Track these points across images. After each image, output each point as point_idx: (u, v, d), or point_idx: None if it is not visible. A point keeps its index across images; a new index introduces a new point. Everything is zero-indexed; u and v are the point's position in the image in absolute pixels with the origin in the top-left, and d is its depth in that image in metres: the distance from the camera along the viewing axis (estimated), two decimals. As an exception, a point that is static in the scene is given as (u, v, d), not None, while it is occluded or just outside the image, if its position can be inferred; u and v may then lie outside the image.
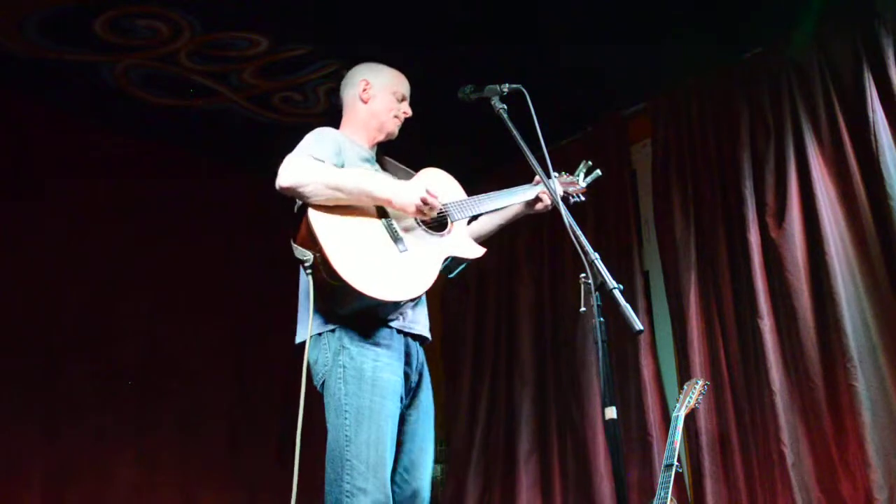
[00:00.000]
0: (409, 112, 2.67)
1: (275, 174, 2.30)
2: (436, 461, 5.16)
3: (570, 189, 2.84)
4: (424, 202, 2.31)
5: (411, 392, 2.40)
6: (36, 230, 4.26)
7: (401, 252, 2.29)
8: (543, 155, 2.22)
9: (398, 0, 3.79)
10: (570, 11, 3.85)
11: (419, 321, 2.43)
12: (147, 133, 4.74)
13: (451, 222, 2.48)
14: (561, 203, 2.14)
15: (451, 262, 2.43)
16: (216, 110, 4.59)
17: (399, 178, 2.55)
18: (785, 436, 3.52)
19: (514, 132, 2.34)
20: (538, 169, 2.26)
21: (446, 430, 5.10)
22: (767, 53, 4.08)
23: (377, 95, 2.62)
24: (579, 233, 2.04)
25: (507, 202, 2.68)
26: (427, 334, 2.46)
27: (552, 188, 2.23)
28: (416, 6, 3.80)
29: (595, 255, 1.99)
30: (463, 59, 4.08)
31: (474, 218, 2.64)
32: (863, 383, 3.35)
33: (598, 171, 2.88)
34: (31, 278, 4.20)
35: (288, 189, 2.22)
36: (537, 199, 2.73)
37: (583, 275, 2.00)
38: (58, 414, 4.15)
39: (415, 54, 4.18)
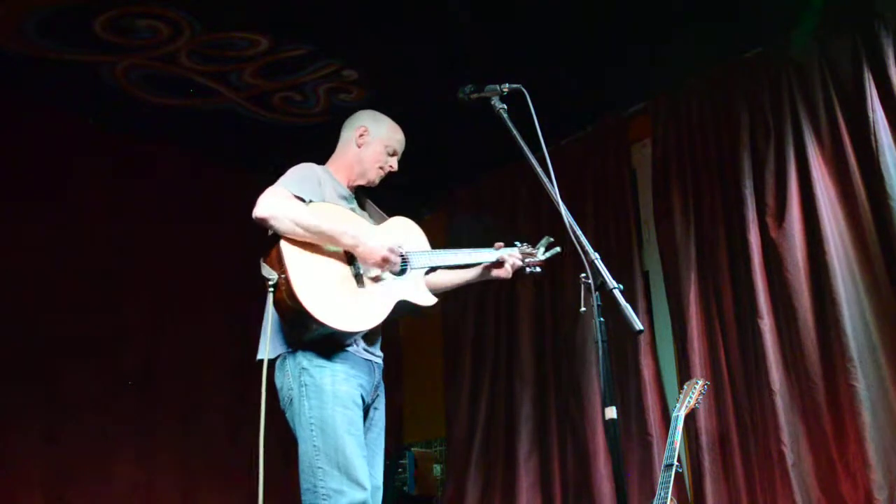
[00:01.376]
0: (395, 167, 2.81)
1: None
2: (436, 461, 5.21)
3: (528, 260, 2.96)
4: (385, 260, 2.50)
5: (367, 409, 2.57)
6: (36, 230, 4.26)
7: (358, 288, 2.48)
8: (543, 155, 2.21)
9: (398, 0, 3.79)
10: (571, 11, 3.85)
11: (371, 350, 2.58)
12: (147, 133, 4.74)
13: (410, 269, 2.64)
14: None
15: (404, 306, 2.60)
16: (216, 110, 4.59)
17: (373, 218, 2.75)
18: (785, 436, 3.52)
19: (514, 132, 2.34)
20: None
21: (446, 430, 5.11)
22: (767, 53, 4.08)
23: (371, 144, 2.76)
24: (579, 233, 2.04)
25: (467, 261, 2.84)
26: (380, 360, 2.62)
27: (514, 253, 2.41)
28: (416, 6, 3.80)
29: (595, 255, 1.99)
30: (463, 58, 4.08)
31: (434, 269, 2.80)
32: (863, 383, 3.35)
33: (558, 248, 3.00)
34: (31, 278, 4.20)
35: (261, 220, 2.41)
36: (498, 264, 2.86)
37: (583, 275, 2.00)
38: (58, 414, 4.15)
39: (415, 54, 4.20)
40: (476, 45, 4.03)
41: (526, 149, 2.29)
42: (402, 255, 2.61)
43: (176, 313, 4.71)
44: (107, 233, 4.50)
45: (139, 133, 4.73)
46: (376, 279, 2.54)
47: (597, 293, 1.95)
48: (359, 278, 2.50)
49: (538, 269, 3.01)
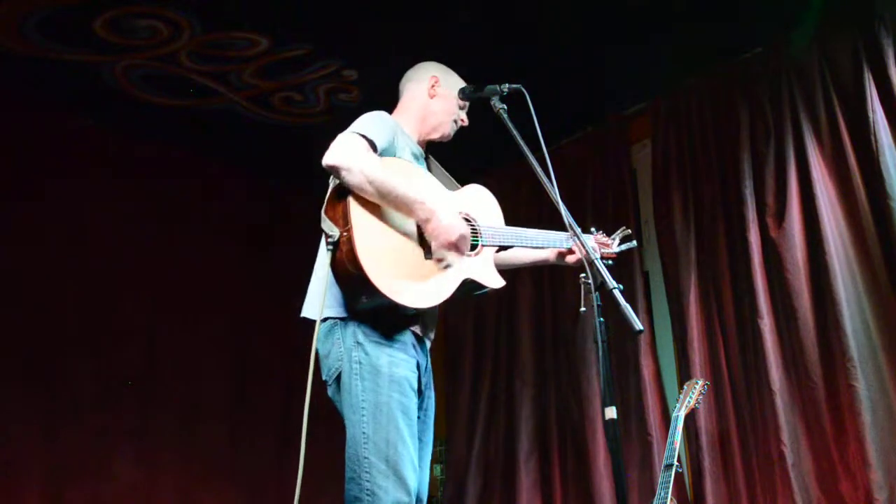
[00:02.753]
0: (466, 121, 2.64)
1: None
2: (436, 461, 5.21)
3: (603, 251, 2.79)
4: (453, 246, 2.27)
5: (421, 394, 2.38)
6: (36, 230, 4.26)
7: (426, 260, 2.26)
8: (543, 155, 2.21)
9: (398, 0, 3.79)
10: (571, 11, 3.85)
11: (430, 328, 2.41)
12: (147, 133, 4.74)
13: (481, 245, 2.43)
14: (600, 261, 2.06)
15: (471, 286, 2.40)
16: (216, 110, 4.59)
17: (443, 184, 2.53)
18: (785, 436, 3.52)
19: (514, 132, 2.34)
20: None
21: (446, 430, 5.11)
22: (767, 53, 4.08)
23: (445, 95, 2.59)
24: (580, 233, 2.04)
25: (540, 244, 2.65)
26: (430, 340, 2.45)
27: (585, 243, 2.12)
28: (415, 6, 3.80)
29: (595, 255, 1.99)
30: (463, 58, 4.08)
31: (505, 248, 2.61)
32: (863, 383, 3.35)
33: (634, 242, 2.85)
34: (32, 278, 4.20)
35: (332, 167, 2.18)
36: (570, 251, 2.68)
37: (583, 275, 2.00)
38: (58, 414, 4.15)
39: (414, 54, 4.19)
40: (476, 45, 4.03)
41: (526, 149, 2.29)
42: (474, 229, 2.39)
43: (176, 313, 4.71)
44: (107, 232, 4.50)
45: (139, 133, 4.73)
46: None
47: (597, 293, 1.95)
48: (427, 249, 2.27)
49: (610, 262, 2.77)
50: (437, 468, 5.19)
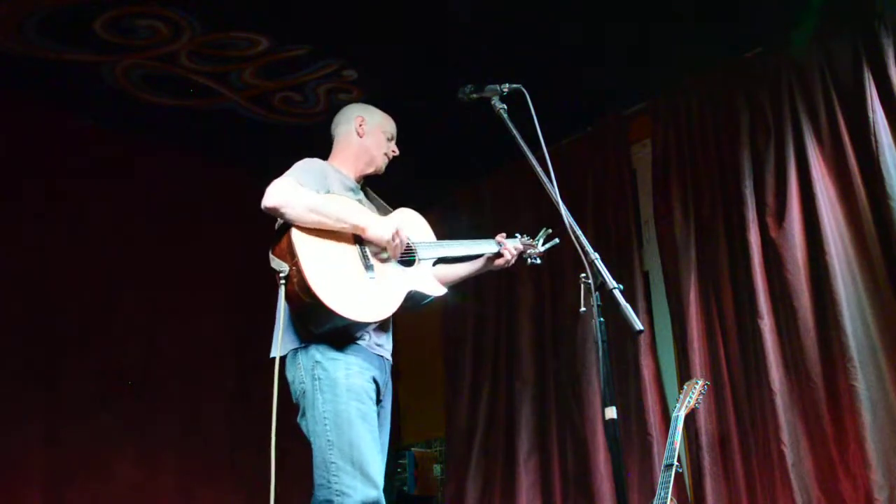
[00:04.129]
0: (397, 151, 2.87)
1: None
2: (436, 461, 5.21)
3: (529, 251, 3.08)
4: (394, 237, 2.51)
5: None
6: (36, 230, 4.26)
7: (370, 278, 2.47)
8: (543, 155, 2.21)
9: (398, 0, 3.79)
10: (570, 11, 3.85)
11: (382, 344, 2.57)
12: (147, 133, 4.74)
13: (418, 260, 2.68)
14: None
15: (416, 296, 2.61)
16: (216, 110, 4.59)
17: (378, 210, 2.77)
18: (785, 436, 3.52)
19: (514, 132, 2.34)
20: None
21: (446, 430, 5.10)
22: (767, 53, 4.08)
23: (371, 132, 2.81)
24: (579, 233, 2.04)
25: (471, 251, 2.92)
26: (389, 357, 2.61)
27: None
28: (415, 6, 3.80)
29: (595, 255, 1.99)
30: (463, 58, 4.08)
31: (439, 262, 2.84)
32: (863, 383, 3.35)
33: (557, 240, 3.09)
34: (32, 278, 4.20)
35: (272, 209, 2.37)
36: (498, 255, 2.95)
37: (583, 275, 2.00)
38: (58, 414, 4.15)
39: (414, 54, 4.20)
40: (476, 45, 4.03)
41: (526, 149, 2.29)
42: (409, 246, 2.63)
43: (176, 313, 4.71)
44: (106, 232, 4.50)
45: (139, 133, 4.73)
46: (386, 268, 2.54)
47: (597, 293, 1.95)
48: (369, 268, 2.49)
49: (538, 261, 3.11)
50: (437, 468, 5.20)
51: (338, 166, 2.74)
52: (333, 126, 2.87)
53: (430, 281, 2.70)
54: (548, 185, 2.21)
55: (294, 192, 2.40)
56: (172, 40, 4.02)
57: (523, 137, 2.32)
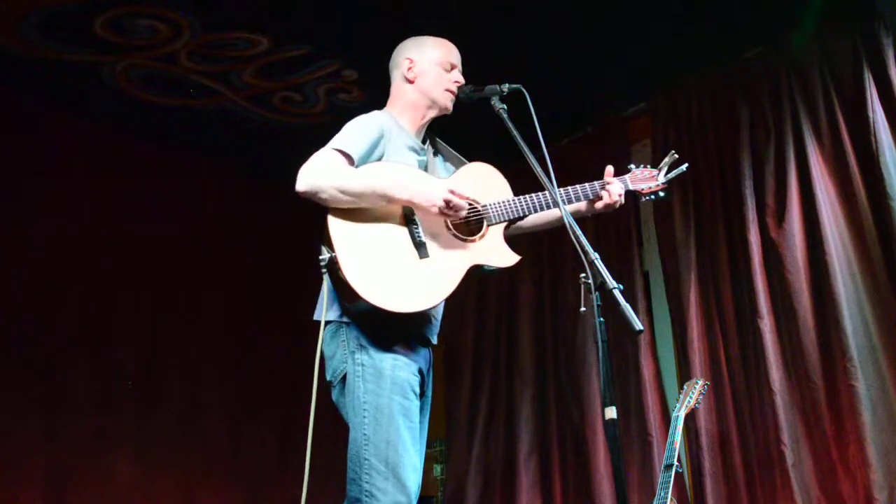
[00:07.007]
0: (462, 80, 2.53)
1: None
2: (436, 461, 5.20)
3: (643, 186, 2.55)
4: (448, 203, 2.22)
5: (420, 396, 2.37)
6: (36, 230, 4.26)
7: (420, 259, 2.22)
8: (543, 155, 2.21)
9: (398, 0, 3.79)
10: (570, 11, 3.85)
11: (432, 330, 2.38)
12: (147, 133, 4.74)
13: (487, 225, 2.37)
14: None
15: (478, 270, 2.32)
16: (216, 110, 4.59)
17: (451, 164, 2.50)
18: (785, 436, 3.52)
19: (514, 132, 2.33)
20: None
21: (446, 430, 5.10)
22: (767, 53, 4.08)
23: (424, 72, 2.50)
24: (579, 233, 2.04)
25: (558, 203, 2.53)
26: (435, 340, 2.41)
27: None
28: (415, 6, 3.79)
29: (595, 255, 1.98)
30: (463, 58, 4.08)
31: (520, 218, 2.48)
32: (863, 383, 3.35)
33: (685, 166, 2.59)
34: (32, 278, 4.20)
35: (304, 195, 2.18)
36: (598, 198, 2.51)
37: (583, 275, 1.99)
38: (58, 414, 4.15)
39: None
40: (476, 45, 4.03)
41: (526, 149, 2.29)
42: (476, 211, 2.33)
43: (176, 313, 4.71)
44: (106, 232, 4.50)
45: (139, 133, 4.73)
46: (442, 242, 2.27)
47: (597, 293, 1.95)
48: (421, 247, 2.23)
49: (662, 194, 2.58)
50: (437, 468, 5.19)
51: (398, 117, 2.46)
52: (389, 68, 2.58)
53: (500, 248, 2.34)
54: (548, 185, 2.21)
55: (322, 172, 2.17)
56: (172, 40, 4.02)
57: (523, 137, 2.31)
